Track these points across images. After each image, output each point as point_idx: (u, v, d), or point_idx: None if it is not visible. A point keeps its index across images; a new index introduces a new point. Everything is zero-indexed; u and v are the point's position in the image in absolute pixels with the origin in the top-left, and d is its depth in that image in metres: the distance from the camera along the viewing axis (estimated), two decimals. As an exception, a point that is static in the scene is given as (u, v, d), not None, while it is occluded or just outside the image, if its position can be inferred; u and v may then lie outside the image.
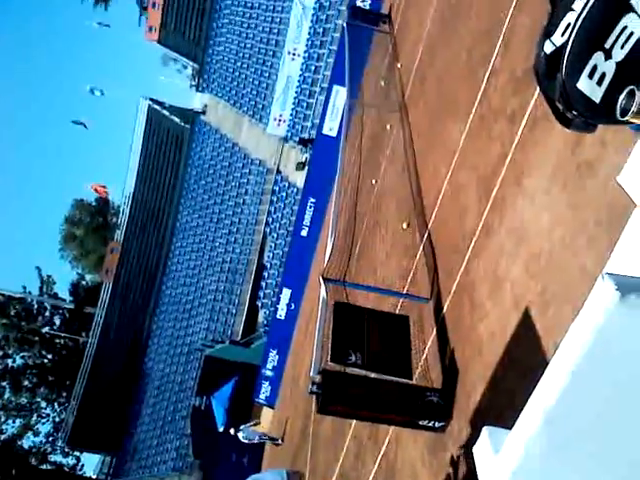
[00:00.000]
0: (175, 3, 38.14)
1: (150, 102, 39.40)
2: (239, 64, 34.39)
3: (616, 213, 3.49)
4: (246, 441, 19.57)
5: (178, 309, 35.75)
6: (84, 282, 50.56)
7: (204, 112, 37.95)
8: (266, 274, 28.75)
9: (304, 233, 22.46)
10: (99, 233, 49.64)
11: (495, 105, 6.69)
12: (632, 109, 1.73)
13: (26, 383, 44.22)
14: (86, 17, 46.31)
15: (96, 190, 42.96)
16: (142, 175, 39.28)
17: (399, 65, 14.43)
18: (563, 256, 4.33)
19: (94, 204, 50.46)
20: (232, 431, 19.31)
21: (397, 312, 7.85)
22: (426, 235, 7.90)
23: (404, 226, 9.12)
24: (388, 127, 13.70)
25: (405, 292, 7.97)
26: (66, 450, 42.62)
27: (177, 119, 39.32)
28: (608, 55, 1.93)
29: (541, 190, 4.94)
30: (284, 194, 28.47)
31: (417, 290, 7.63)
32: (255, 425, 20.90)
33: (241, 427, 19.34)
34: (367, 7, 20.86)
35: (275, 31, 30.93)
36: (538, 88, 2.24)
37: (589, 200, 4.17)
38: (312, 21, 27.78)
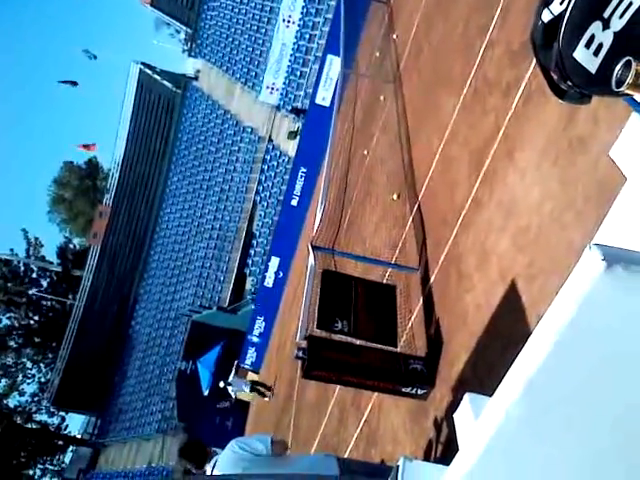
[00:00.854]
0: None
1: (142, 66, 38.90)
2: (233, 30, 33.92)
3: (606, 189, 3.51)
4: (234, 394, 19.60)
5: (166, 274, 35.79)
6: (72, 245, 50.41)
7: (196, 78, 37.52)
8: (255, 242, 28.78)
9: (294, 202, 22.46)
10: (88, 196, 49.38)
11: (490, 78, 6.66)
12: (627, 80, 1.72)
13: (12, 344, 44.31)
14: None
15: (85, 147, 42.57)
16: (132, 139, 38.96)
17: (395, 36, 14.30)
18: (551, 230, 4.36)
19: (84, 167, 50.08)
20: (221, 384, 19.31)
21: (385, 281, 7.90)
22: (416, 206, 7.91)
23: (394, 197, 9.13)
24: (382, 98, 13.62)
25: (393, 262, 8.02)
26: (51, 410, 42.96)
27: (169, 84, 38.90)
28: (606, 25, 1.91)
29: (532, 165, 4.95)
30: (275, 163, 28.36)
31: (405, 260, 7.67)
32: (239, 376, 20.86)
33: (229, 380, 19.34)
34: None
35: (270, -4, 30.53)
36: (534, 58, 2.23)
37: (579, 176, 4.19)
38: (308, -14, 27.42)
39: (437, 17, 10.58)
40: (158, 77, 38.88)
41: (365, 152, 13.52)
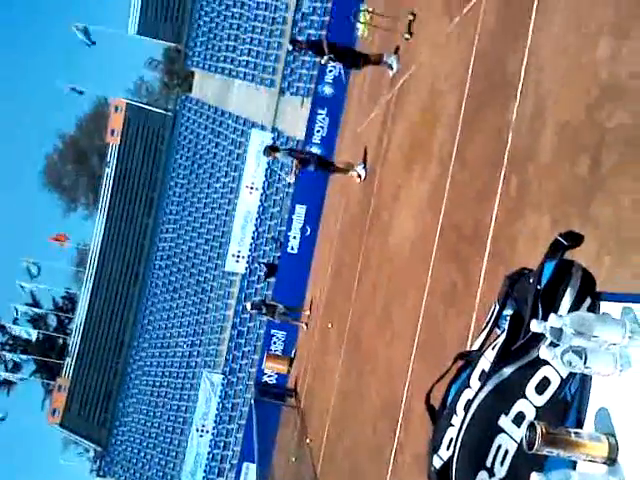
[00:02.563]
0: (82, 386, 38.22)
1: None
2: (145, 444, 33.44)
3: None
4: None
5: None
6: None
7: None
8: None
9: None
10: None
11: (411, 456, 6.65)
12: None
13: None
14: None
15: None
16: None
17: (308, 440, 14.47)
18: None
19: None
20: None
21: None
22: None
23: None
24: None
25: None
26: None
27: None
28: (491, 473, 2.03)
29: None
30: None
31: None
32: None
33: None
34: (273, 381, 21.54)
35: (183, 408, 31.03)
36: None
37: None
38: (220, 397, 28.30)
39: (346, 420, 10.94)
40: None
41: None
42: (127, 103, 37.26)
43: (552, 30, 4.51)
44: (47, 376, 42.36)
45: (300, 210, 20.29)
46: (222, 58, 30.37)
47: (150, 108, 37.65)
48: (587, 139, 3.59)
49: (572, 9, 4.24)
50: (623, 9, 3.52)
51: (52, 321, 43.65)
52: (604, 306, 2.07)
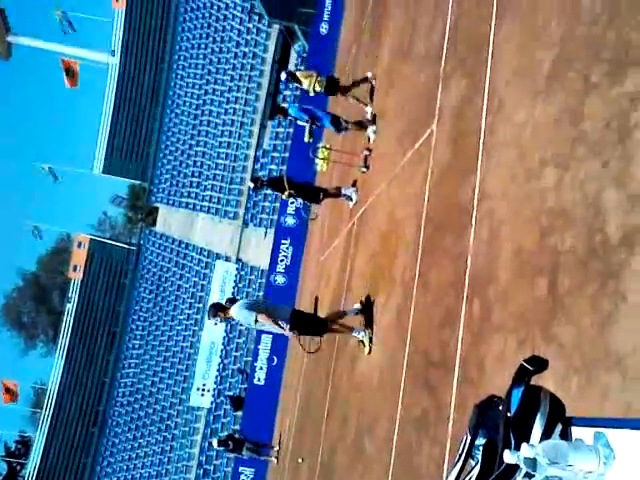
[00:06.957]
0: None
1: None
2: None
3: None
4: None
5: None
6: None
7: None
8: None
9: None
10: None
11: None
12: None
13: None
14: None
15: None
16: None
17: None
18: None
19: None
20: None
21: None
22: None
23: None
24: None
25: None
26: None
27: None
28: None
29: None
30: None
31: None
32: None
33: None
34: None
35: None
36: None
37: None
38: None
39: None
40: None
41: None
42: (90, 239, 37.41)
43: (500, 162, 4.79)
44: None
45: (266, 340, 20.11)
46: (186, 193, 31.12)
47: (113, 243, 37.82)
48: (543, 262, 3.70)
49: (515, 143, 4.54)
50: (560, 144, 3.79)
51: (1, 469, 41.03)
52: (576, 431, 2.06)
